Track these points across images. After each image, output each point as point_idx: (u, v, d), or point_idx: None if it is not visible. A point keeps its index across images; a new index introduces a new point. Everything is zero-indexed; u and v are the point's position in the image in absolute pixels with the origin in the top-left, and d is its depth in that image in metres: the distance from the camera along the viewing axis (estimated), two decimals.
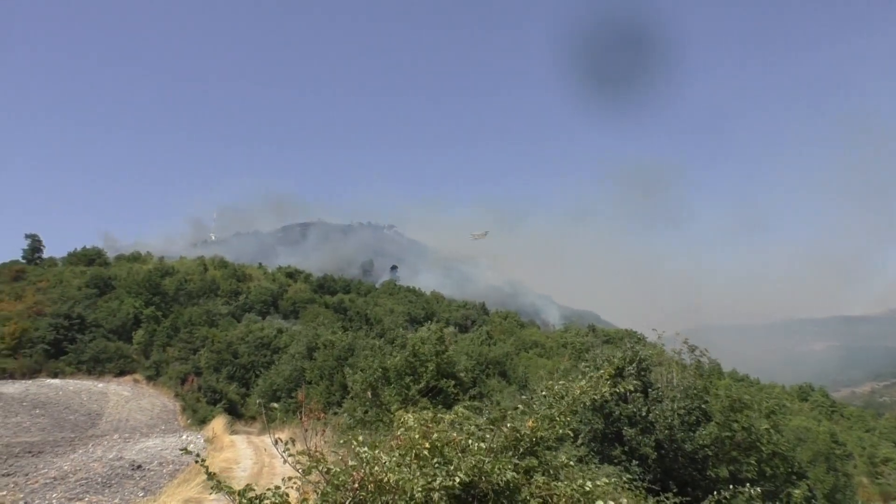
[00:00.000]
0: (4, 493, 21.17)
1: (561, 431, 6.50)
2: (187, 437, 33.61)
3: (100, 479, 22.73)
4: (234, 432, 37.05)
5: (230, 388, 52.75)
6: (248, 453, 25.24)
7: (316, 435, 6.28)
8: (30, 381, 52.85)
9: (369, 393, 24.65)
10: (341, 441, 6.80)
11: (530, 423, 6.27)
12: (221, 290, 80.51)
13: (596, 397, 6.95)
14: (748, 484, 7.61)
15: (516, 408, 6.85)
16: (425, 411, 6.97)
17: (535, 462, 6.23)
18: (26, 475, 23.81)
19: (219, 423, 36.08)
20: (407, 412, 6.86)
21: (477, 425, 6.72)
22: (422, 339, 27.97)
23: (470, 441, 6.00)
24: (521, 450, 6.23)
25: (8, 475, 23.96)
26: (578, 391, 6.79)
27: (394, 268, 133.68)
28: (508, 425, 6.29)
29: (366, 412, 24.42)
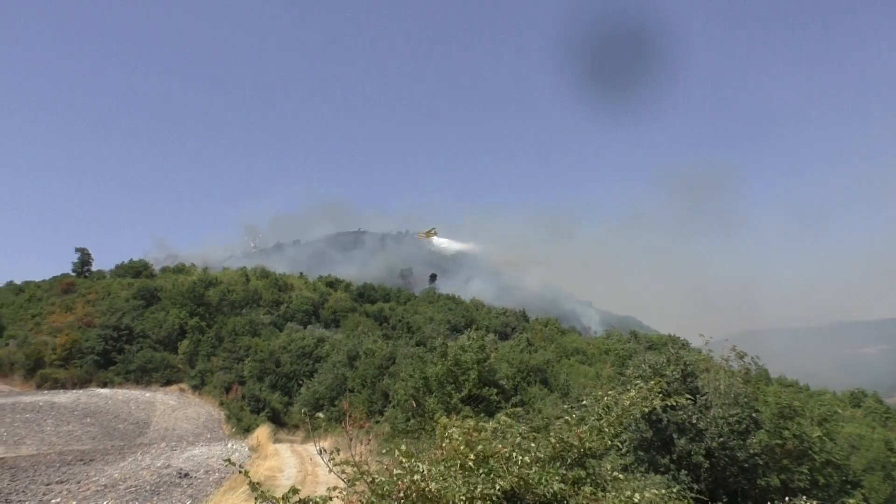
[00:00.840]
0: (59, 500, 21.75)
1: (609, 443, 6.40)
2: (232, 445, 34.09)
3: (148, 487, 23.20)
4: (277, 441, 37.46)
5: (273, 396, 53.35)
6: (291, 462, 25.51)
7: (360, 444, 6.30)
8: (80, 391, 54.27)
9: (412, 402, 24.71)
10: (384, 451, 6.82)
11: (578, 434, 6.19)
12: (263, 299, 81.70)
13: (646, 409, 6.82)
14: (801, 494, 7.39)
15: (560, 417, 6.77)
16: (468, 420, 6.93)
17: (582, 473, 6.15)
18: (78, 482, 24.43)
19: (263, 432, 36.52)
20: (450, 421, 6.84)
21: (520, 433, 6.66)
22: (462, 347, 27.91)
23: (515, 452, 5.96)
24: (569, 461, 6.15)
25: (61, 482, 24.61)
26: (628, 402, 6.68)
27: (433, 276, 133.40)
28: (554, 436, 6.22)
29: (408, 420, 24.48)
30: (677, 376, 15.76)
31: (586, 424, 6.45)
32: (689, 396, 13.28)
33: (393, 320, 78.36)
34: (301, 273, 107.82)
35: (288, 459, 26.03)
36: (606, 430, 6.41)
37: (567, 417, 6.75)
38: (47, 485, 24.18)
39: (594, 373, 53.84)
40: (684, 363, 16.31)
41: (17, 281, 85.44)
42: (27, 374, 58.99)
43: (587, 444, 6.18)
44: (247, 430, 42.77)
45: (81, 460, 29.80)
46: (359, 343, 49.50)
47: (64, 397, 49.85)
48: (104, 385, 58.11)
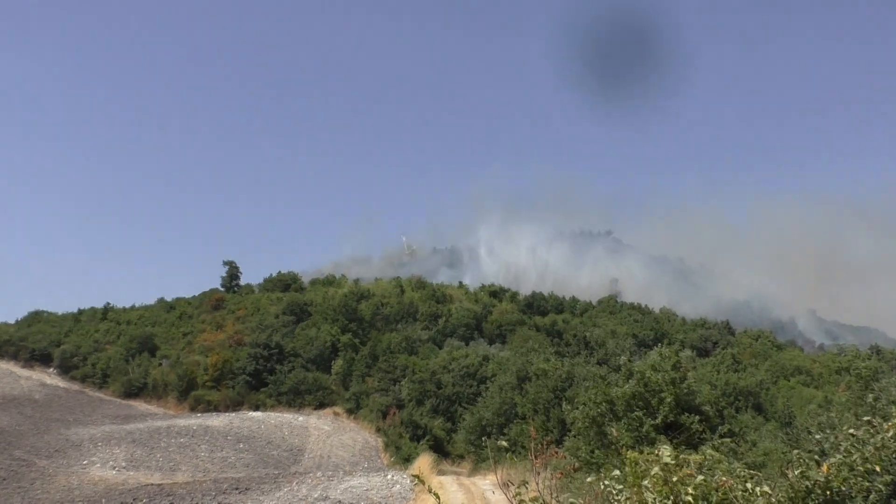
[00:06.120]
0: None
1: (867, 484, 5.78)
2: (392, 476, 35.24)
3: None
4: (441, 472, 38.25)
5: (435, 422, 54.60)
6: (458, 497, 25.85)
7: (551, 478, 6.16)
8: (233, 414, 58.64)
9: (593, 431, 24.24)
10: (589, 480, 6.61)
11: (824, 470, 5.65)
12: (420, 313, 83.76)
13: None
14: None
15: (800, 451, 6.23)
16: (664, 449, 6.54)
17: None
18: None
19: (424, 462, 37.40)
20: (642, 455, 6.48)
21: (732, 470, 6.22)
22: (653, 366, 26.98)
23: (749, 484, 5.53)
24: (812, 503, 5.63)
25: None
26: (891, 432, 5.99)
27: (614, 281, 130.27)
28: (794, 474, 5.71)
29: (592, 452, 24.02)
30: None
31: (831, 459, 5.88)
32: None
33: (567, 335, 77.54)
34: (461, 283, 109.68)
35: (454, 494, 26.41)
36: (860, 466, 5.80)
37: (806, 451, 6.20)
38: None
39: (822, 397, 50.20)
40: None
41: (168, 297, 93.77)
42: (181, 396, 64.94)
43: (835, 485, 5.62)
44: (407, 460, 44.12)
45: (237, 489, 32.14)
46: (528, 362, 49.45)
47: (217, 421, 54.10)
48: (256, 408, 62.38)
